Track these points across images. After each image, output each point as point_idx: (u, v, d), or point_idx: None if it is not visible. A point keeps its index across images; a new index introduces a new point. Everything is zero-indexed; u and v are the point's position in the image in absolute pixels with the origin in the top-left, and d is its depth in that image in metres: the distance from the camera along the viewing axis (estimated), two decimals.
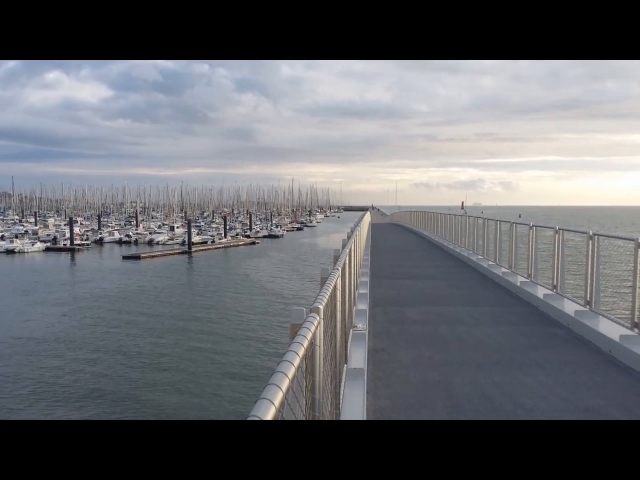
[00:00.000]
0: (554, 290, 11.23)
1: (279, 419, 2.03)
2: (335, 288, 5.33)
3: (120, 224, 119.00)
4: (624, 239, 8.45)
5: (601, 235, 9.29)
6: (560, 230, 11.25)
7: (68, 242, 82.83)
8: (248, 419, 1.78)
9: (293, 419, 2.64)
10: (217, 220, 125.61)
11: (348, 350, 7.20)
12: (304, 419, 3.09)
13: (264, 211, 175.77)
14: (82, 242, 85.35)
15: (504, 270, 15.18)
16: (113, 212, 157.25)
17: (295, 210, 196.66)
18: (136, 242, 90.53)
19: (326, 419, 3.99)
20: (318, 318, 3.46)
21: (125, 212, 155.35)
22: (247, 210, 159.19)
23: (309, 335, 2.93)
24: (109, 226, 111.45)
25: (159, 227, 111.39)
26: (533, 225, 13.30)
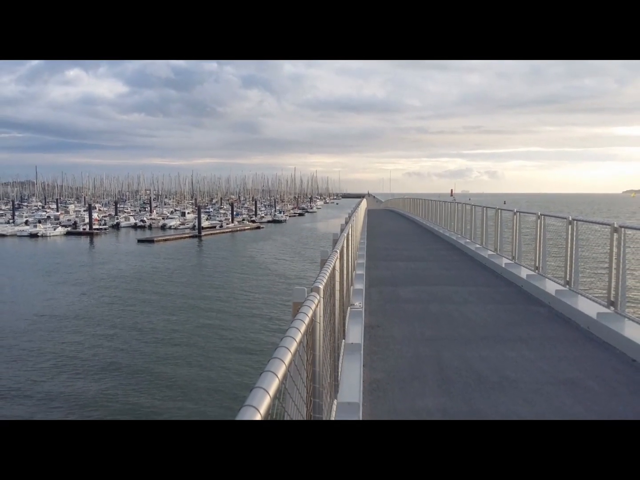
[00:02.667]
0: (536, 271, 11.24)
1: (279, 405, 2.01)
2: (334, 269, 5.33)
3: (135, 210, 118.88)
4: (601, 223, 8.44)
5: (580, 221, 9.28)
6: (542, 216, 11.25)
7: (87, 227, 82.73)
8: (252, 390, 1.77)
9: (295, 390, 2.64)
10: (224, 207, 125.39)
11: (346, 327, 7.21)
12: (305, 392, 3.09)
13: (268, 198, 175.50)
14: (100, 227, 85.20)
15: (489, 252, 15.19)
16: (129, 199, 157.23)
17: (297, 197, 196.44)
18: (150, 227, 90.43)
19: (326, 390, 3.99)
20: (318, 297, 3.46)
21: (140, 199, 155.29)
22: (253, 197, 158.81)
23: (310, 313, 2.94)
24: (125, 212, 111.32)
25: (171, 212, 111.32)
26: (517, 211, 13.31)
